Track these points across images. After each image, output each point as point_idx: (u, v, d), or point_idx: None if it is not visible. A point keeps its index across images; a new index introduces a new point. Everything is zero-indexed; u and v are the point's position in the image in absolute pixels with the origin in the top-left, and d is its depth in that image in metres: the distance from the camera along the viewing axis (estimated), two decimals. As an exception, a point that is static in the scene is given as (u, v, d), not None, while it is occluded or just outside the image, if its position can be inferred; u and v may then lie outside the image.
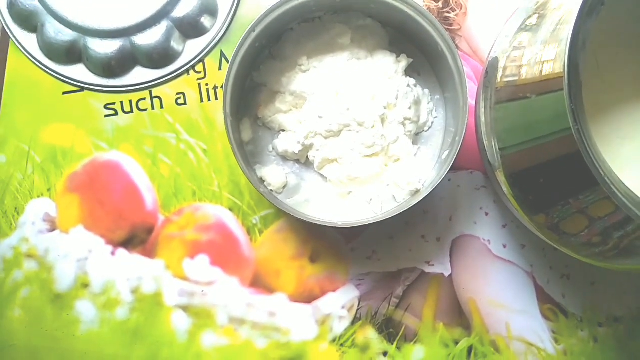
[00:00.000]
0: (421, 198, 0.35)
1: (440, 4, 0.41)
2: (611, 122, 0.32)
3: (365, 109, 0.37)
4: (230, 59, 0.35)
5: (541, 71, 0.27)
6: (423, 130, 0.40)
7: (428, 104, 0.40)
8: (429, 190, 0.35)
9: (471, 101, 0.37)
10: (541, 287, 0.40)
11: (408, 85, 0.38)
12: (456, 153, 0.35)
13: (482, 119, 0.33)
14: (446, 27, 0.41)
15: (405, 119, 0.38)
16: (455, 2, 0.41)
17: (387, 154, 0.38)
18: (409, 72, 0.40)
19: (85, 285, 0.40)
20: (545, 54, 0.27)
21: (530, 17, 0.31)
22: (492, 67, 0.32)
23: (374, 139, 0.37)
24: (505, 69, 0.31)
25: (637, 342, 0.39)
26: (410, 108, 0.38)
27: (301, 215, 0.36)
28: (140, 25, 0.39)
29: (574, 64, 0.24)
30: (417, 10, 0.35)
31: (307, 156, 0.39)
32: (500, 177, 0.32)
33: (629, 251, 0.29)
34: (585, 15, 0.24)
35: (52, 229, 0.41)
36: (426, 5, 0.41)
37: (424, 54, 0.40)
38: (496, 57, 0.32)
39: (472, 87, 0.40)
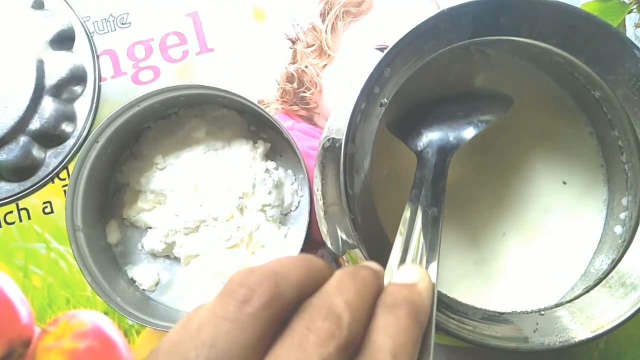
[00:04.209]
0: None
1: (295, 85, 0.42)
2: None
3: (219, 203, 0.37)
4: (72, 173, 0.35)
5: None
6: (291, 210, 0.40)
7: (292, 184, 0.40)
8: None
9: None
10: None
11: (267, 170, 0.39)
12: (305, 232, 0.35)
13: (320, 202, 0.33)
14: (304, 106, 0.41)
15: (265, 205, 0.38)
16: (310, 82, 0.42)
17: (251, 242, 0.38)
18: (271, 155, 0.40)
19: (-33, 408, 0.39)
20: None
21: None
22: (321, 154, 0.33)
23: (231, 232, 0.37)
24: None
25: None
26: (270, 193, 0.38)
27: (152, 324, 0.35)
28: (-3, 143, 0.39)
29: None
30: (250, 102, 0.36)
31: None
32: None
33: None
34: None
35: None
36: (281, 88, 0.41)
37: (282, 137, 0.40)
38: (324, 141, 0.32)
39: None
